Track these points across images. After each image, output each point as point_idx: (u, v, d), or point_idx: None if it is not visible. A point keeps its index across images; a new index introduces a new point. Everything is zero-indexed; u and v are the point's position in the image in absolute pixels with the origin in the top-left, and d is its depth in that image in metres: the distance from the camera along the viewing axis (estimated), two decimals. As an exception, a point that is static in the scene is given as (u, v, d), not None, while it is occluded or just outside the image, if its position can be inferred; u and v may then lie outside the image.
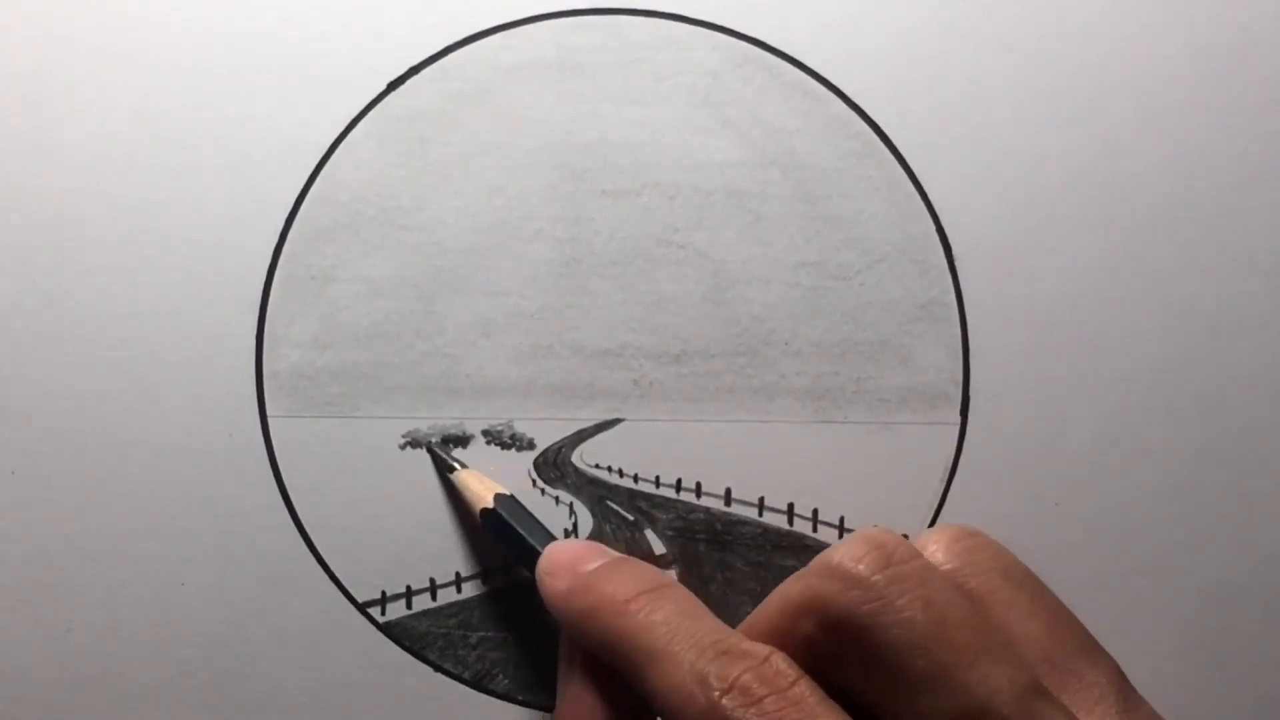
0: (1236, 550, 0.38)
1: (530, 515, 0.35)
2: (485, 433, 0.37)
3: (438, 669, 0.37)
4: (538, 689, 0.37)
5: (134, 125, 0.37)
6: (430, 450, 0.37)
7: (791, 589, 0.27)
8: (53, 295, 0.37)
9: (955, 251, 0.38)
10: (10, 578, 0.37)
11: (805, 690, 0.25)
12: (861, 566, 0.25)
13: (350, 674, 0.37)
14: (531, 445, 0.37)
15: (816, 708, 0.24)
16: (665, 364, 0.38)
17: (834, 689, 0.25)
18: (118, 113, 0.37)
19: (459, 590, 0.37)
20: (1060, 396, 0.38)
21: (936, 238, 0.38)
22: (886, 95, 0.38)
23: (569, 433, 0.37)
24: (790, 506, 0.38)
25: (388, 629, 0.37)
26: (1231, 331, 0.38)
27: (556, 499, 0.37)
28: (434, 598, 0.37)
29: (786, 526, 0.38)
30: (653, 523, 0.38)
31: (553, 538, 0.33)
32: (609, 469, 0.38)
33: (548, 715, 0.37)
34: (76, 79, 0.37)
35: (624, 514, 0.38)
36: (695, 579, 0.38)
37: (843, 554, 0.26)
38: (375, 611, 0.37)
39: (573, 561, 0.31)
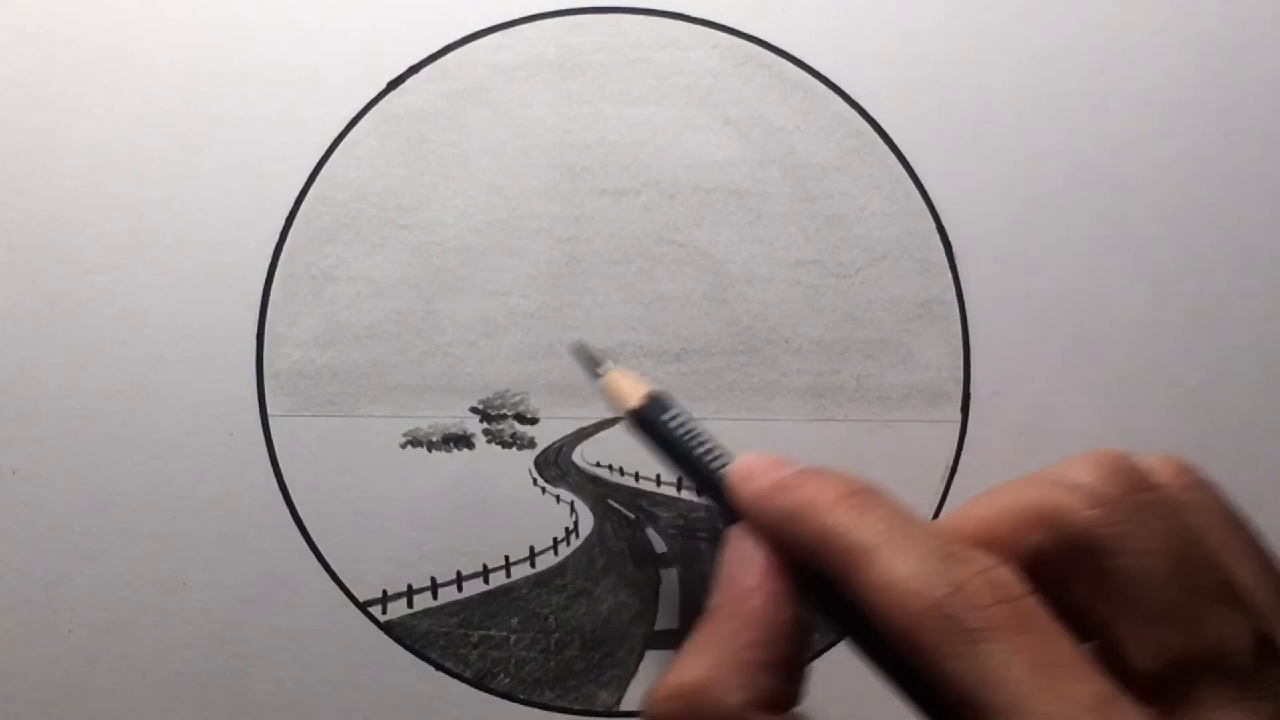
0: (1237, 548, 0.38)
1: (690, 419, 0.30)
2: (486, 431, 0.37)
3: (439, 668, 0.37)
4: (539, 688, 0.37)
5: (135, 125, 0.37)
6: (576, 354, 0.33)
7: (1021, 496, 0.25)
8: (54, 295, 0.37)
9: (955, 250, 0.38)
10: (12, 578, 0.37)
11: (1035, 605, 0.24)
12: (1109, 486, 0.25)
13: (351, 673, 0.37)
14: (532, 444, 0.37)
15: (1048, 625, 0.23)
16: (666, 362, 0.38)
17: (1055, 606, 0.24)
18: (119, 113, 0.37)
19: (460, 589, 0.37)
20: (1060, 394, 0.38)
21: (937, 236, 0.38)
22: (887, 94, 0.38)
23: (570, 431, 0.37)
24: (791, 505, 0.38)
25: (389, 628, 0.37)
26: (1230, 329, 0.38)
27: (557, 497, 0.37)
28: (435, 596, 0.37)
29: (787, 525, 0.38)
30: (654, 521, 0.38)
31: (721, 448, 0.29)
32: (610, 467, 0.38)
33: (549, 715, 0.37)
34: (78, 80, 0.37)
35: (625, 512, 0.38)
36: (696, 577, 0.38)
37: (1087, 470, 0.25)
38: (376, 610, 0.37)
39: (771, 466, 0.29)
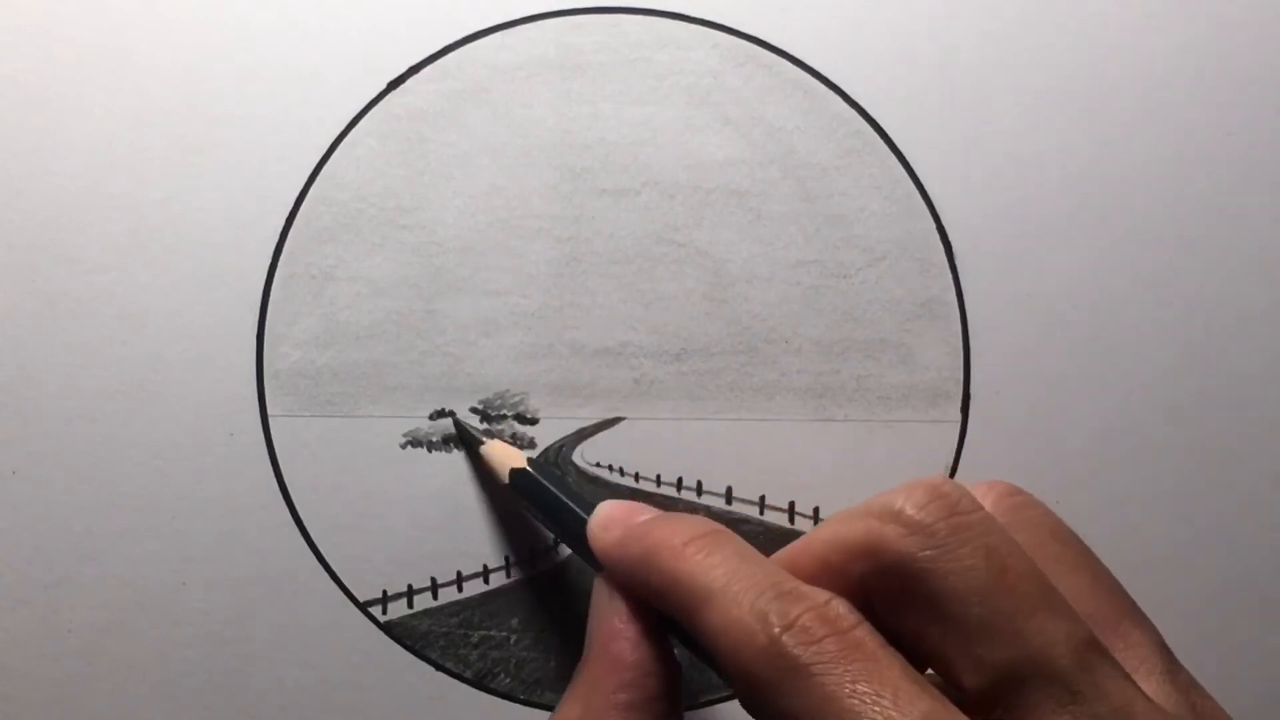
0: (1237, 548, 0.38)
1: (561, 478, 0.35)
2: (486, 432, 0.37)
3: (439, 668, 0.37)
4: (539, 688, 0.37)
5: (134, 125, 0.37)
6: (456, 423, 0.37)
7: (845, 529, 0.26)
8: (53, 295, 0.37)
9: (955, 249, 0.38)
10: (11, 578, 0.37)
11: (865, 634, 0.25)
12: (924, 514, 0.25)
13: (351, 673, 0.37)
14: (532, 444, 0.37)
15: (877, 651, 0.24)
16: (666, 362, 0.38)
17: (885, 634, 0.25)
18: (118, 113, 0.37)
19: (460, 589, 0.37)
20: (1061, 394, 0.38)
21: (937, 236, 0.38)
22: (887, 93, 0.38)
23: (570, 431, 0.37)
24: (791, 505, 0.38)
25: (389, 628, 0.37)
26: (1231, 329, 0.38)
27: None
28: (435, 597, 0.37)
29: (788, 525, 0.38)
30: (654, 521, 0.38)
31: (585, 500, 0.32)
32: (610, 468, 0.38)
33: (548, 715, 0.37)
34: (77, 79, 0.37)
35: (625, 513, 0.38)
36: (696, 578, 0.38)
37: (905, 499, 0.26)
38: (376, 611, 0.37)
39: (626, 515, 0.30)
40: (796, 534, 0.37)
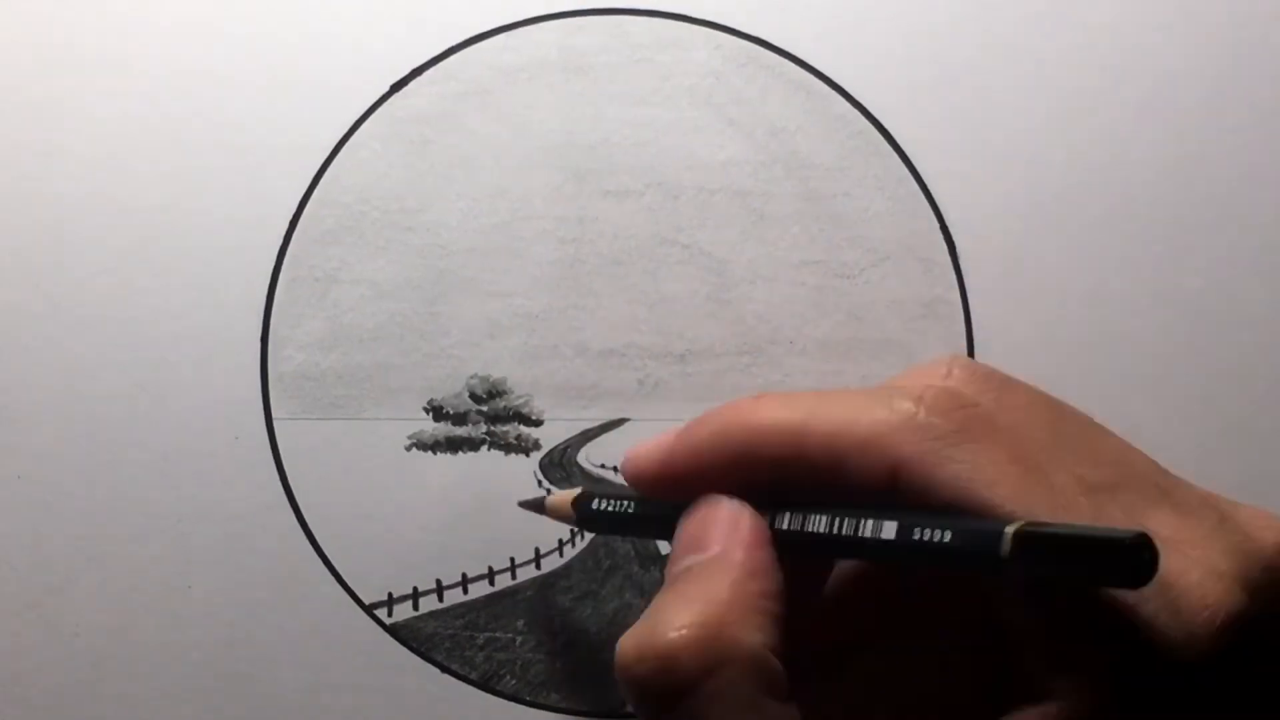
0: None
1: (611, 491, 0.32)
2: (490, 434, 0.37)
3: (445, 670, 0.37)
4: (545, 690, 0.37)
5: (137, 130, 0.37)
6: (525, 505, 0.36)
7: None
8: (58, 300, 0.37)
9: (959, 249, 0.38)
10: (17, 582, 0.37)
11: (986, 411, 0.25)
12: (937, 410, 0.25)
13: (357, 675, 0.37)
14: (537, 446, 0.37)
15: (1007, 427, 0.24)
16: (670, 363, 0.38)
17: None
18: (121, 118, 0.37)
19: (465, 591, 0.37)
20: (1064, 394, 0.38)
21: (940, 236, 0.38)
22: (889, 93, 0.38)
23: (574, 433, 0.37)
24: (796, 505, 0.38)
25: (394, 630, 0.37)
26: (1234, 328, 0.38)
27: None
28: (440, 599, 0.37)
29: (792, 525, 0.38)
30: (659, 522, 0.38)
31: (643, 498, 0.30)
32: (614, 469, 0.38)
33: (554, 716, 0.37)
34: (80, 84, 0.37)
35: (630, 514, 0.38)
36: (701, 578, 0.38)
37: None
38: (382, 613, 0.37)
39: (652, 441, 0.28)
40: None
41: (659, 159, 0.38)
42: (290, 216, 0.37)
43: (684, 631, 0.23)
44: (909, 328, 0.38)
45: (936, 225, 0.38)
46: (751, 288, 0.38)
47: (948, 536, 0.22)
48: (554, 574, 0.37)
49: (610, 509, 0.29)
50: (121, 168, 0.37)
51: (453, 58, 0.38)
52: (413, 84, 0.38)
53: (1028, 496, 0.23)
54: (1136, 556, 0.20)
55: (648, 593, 0.37)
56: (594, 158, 0.38)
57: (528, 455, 0.37)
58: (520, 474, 0.37)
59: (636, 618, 0.37)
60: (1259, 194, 0.38)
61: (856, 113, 0.38)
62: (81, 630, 0.37)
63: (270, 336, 0.37)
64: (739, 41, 0.38)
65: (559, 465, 0.37)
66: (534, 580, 0.37)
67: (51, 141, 0.37)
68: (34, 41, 0.37)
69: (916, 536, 0.23)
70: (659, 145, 0.38)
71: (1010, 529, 0.21)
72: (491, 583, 0.37)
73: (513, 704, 0.37)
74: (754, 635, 0.23)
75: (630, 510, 0.29)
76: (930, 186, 0.38)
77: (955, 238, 0.38)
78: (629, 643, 0.24)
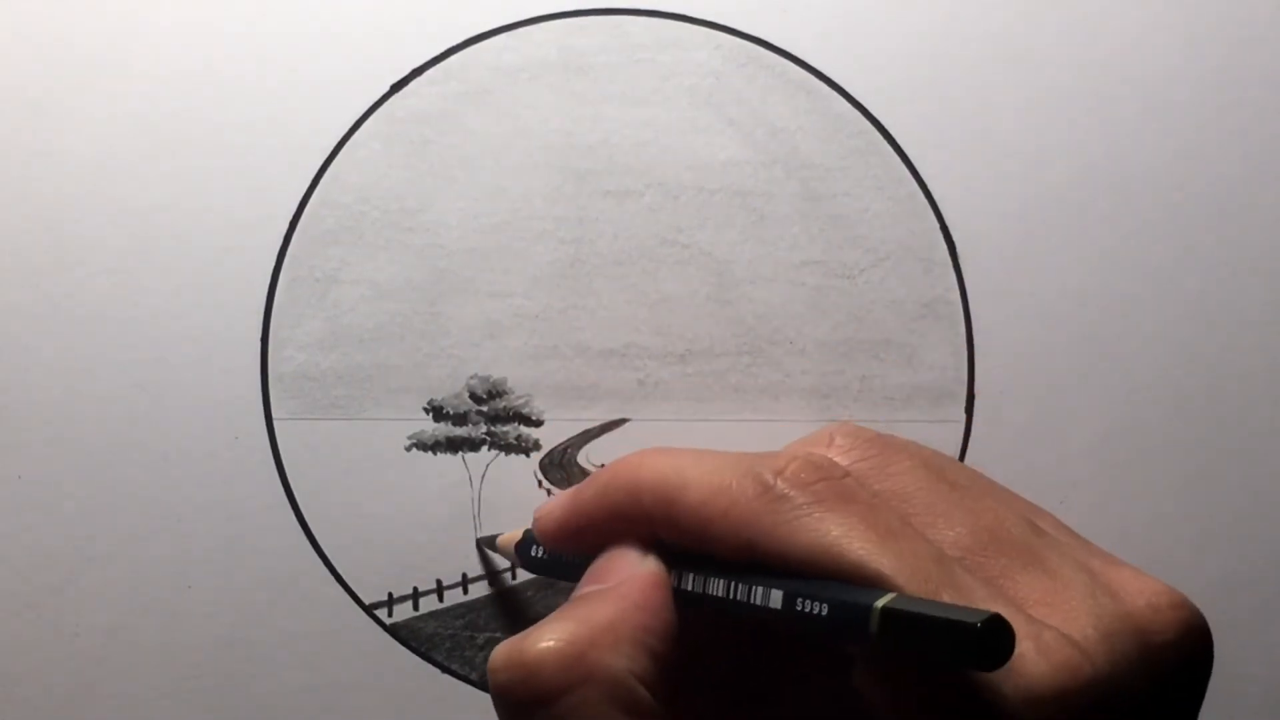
0: (1240, 547, 0.38)
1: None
2: (490, 434, 0.37)
3: (445, 670, 0.37)
4: None
5: (137, 129, 0.37)
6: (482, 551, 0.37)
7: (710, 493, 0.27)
8: (58, 300, 0.37)
9: (959, 249, 0.38)
10: (17, 582, 0.37)
11: (854, 483, 0.25)
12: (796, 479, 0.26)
13: (357, 676, 0.37)
14: (537, 446, 0.37)
15: (871, 498, 0.25)
16: (670, 364, 0.38)
17: None
18: (121, 117, 0.37)
19: (465, 591, 0.37)
20: (1065, 394, 0.38)
21: (940, 236, 0.38)
22: (890, 94, 0.38)
23: (574, 433, 0.38)
24: (796, 505, 0.38)
25: (394, 630, 0.37)
26: (1235, 328, 0.38)
27: None
28: (440, 599, 0.37)
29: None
30: (659, 522, 0.38)
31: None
32: (614, 469, 0.37)
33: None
34: (80, 84, 0.37)
35: (630, 514, 0.38)
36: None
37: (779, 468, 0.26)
38: (382, 613, 0.37)
39: (559, 497, 0.30)
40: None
41: (659, 159, 0.38)
42: (290, 216, 0.37)
43: (551, 644, 0.24)
44: (909, 328, 0.38)
45: (937, 225, 0.38)
46: (752, 288, 0.38)
47: (824, 610, 0.23)
48: (554, 574, 0.37)
49: (542, 556, 0.32)
50: (121, 168, 0.37)
51: (453, 58, 0.38)
52: (413, 84, 0.38)
53: (875, 562, 0.23)
54: (987, 640, 0.21)
55: (648, 593, 0.38)
56: (594, 158, 0.38)
57: (528, 455, 0.37)
58: (520, 474, 0.37)
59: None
60: (1259, 194, 0.38)
61: (856, 113, 0.38)
62: (81, 630, 0.37)
63: (270, 336, 0.37)
64: (739, 41, 0.38)
65: (559, 465, 0.37)
66: (534, 580, 0.37)
67: (51, 142, 0.37)
68: (34, 41, 0.37)
69: (799, 607, 0.24)
70: (659, 145, 0.38)
71: (878, 605, 0.22)
72: (491, 583, 0.37)
73: (513, 704, 0.37)
74: (620, 660, 0.24)
75: (559, 558, 0.31)
76: (930, 186, 0.38)
77: (955, 238, 0.38)
78: (500, 650, 0.25)
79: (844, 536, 0.24)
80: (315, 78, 0.37)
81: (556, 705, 0.24)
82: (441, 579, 0.37)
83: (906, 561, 0.23)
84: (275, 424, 0.37)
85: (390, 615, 0.37)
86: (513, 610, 0.37)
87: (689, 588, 0.26)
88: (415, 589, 0.37)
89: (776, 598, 0.24)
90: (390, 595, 0.37)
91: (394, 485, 0.37)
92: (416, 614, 0.37)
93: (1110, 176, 0.38)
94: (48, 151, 0.37)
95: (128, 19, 0.37)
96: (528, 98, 0.38)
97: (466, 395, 0.37)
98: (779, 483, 0.25)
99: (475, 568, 0.37)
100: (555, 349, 0.38)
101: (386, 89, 0.38)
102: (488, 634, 0.37)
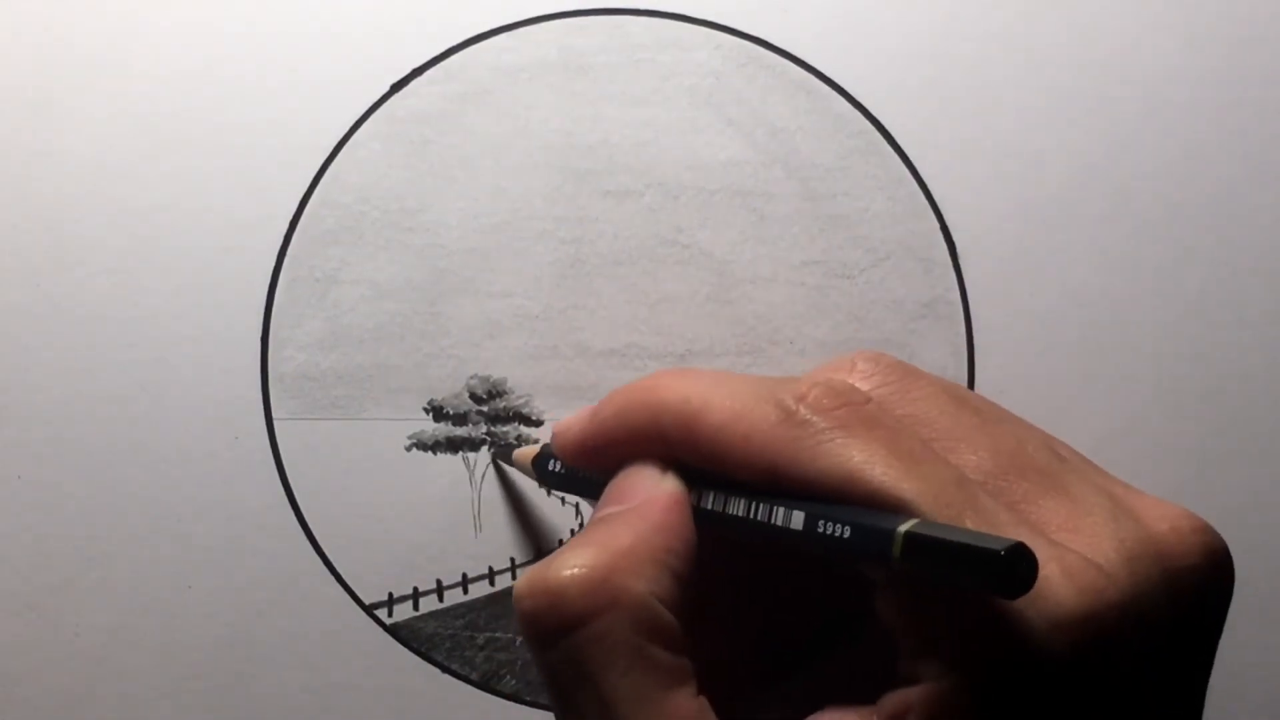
0: (1239, 548, 0.38)
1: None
2: (490, 434, 0.37)
3: (445, 670, 0.37)
4: (545, 690, 0.37)
5: (137, 130, 0.37)
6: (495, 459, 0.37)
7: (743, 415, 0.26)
8: (58, 300, 0.37)
9: (959, 249, 0.38)
10: (17, 582, 0.37)
11: (876, 408, 0.25)
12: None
13: (357, 676, 0.37)
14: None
15: (893, 423, 0.25)
16: (670, 363, 0.38)
17: None
18: (121, 117, 0.37)
19: (465, 591, 0.37)
20: (1064, 394, 0.38)
21: (940, 236, 0.38)
22: (890, 93, 0.38)
23: (574, 433, 0.37)
24: (796, 505, 0.38)
25: (395, 630, 0.37)
26: (1235, 329, 0.38)
27: (562, 499, 0.37)
28: (441, 599, 0.37)
29: (792, 525, 0.38)
30: (659, 522, 0.38)
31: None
32: (614, 469, 0.37)
33: (554, 716, 0.37)
34: (80, 84, 0.37)
35: (630, 514, 0.38)
36: (701, 578, 0.38)
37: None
38: (382, 613, 0.37)
39: (578, 413, 0.29)
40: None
41: (659, 159, 0.38)
42: (290, 216, 0.37)
43: (576, 571, 0.24)
44: (909, 328, 0.38)
45: (937, 225, 0.38)
46: (752, 288, 0.38)
47: (846, 532, 0.23)
48: (554, 574, 0.37)
49: (560, 470, 0.31)
50: (121, 168, 0.37)
51: (453, 58, 0.38)
52: (413, 84, 0.38)
53: (898, 487, 0.23)
54: (1011, 567, 0.21)
55: (648, 593, 0.38)
56: (594, 158, 0.38)
57: (528, 455, 0.38)
58: (520, 474, 0.37)
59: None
60: (1259, 194, 0.38)
61: (856, 113, 0.38)
62: (82, 630, 0.37)
63: (270, 337, 0.37)
64: (739, 41, 0.38)
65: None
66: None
67: (51, 142, 0.37)
68: (33, 41, 0.37)
69: (821, 530, 0.24)
70: (659, 145, 0.38)
71: (901, 530, 0.22)
72: (491, 583, 0.37)
73: (513, 704, 0.37)
74: (643, 584, 0.24)
75: (576, 473, 0.30)
76: (930, 186, 0.38)
77: (955, 238, 0.38)
78: (525, 578, 0.25)
79: (866, 462, 0.24)
80: (315, 78, 0.37)
81: (582, 631, 0.24)
82: (441, 579, 0.37)
83: (929, 486, 0.23)
84: (275, 424, 0.37)
85: (390, 615, 0.37)
86: (512, 610, 0.37)
87: (708, 507, 0.26)
88: (415, 589, 0.37)
89: (798, 519, 0.24)
90: (390, 595, 0.37)
91: (394, 485, 0.37)
92: (416, 614, 0.37)
93: (1110, 176, 0.38)
94: (48, 151, 0.37)
95: (128, 19, 0.37)
96: (528, 98, 0.38)
97: (466, 395, 0.37)
98: (801, 408, 0.24)
99: (475, 568, 0.37)
100: (555, 349, 0.38)
101: (386, 89, 0.38)
102: (488, 634, 0.37)
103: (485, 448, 0.37)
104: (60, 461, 0.37)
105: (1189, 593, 0.24)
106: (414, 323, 0.37)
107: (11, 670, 0.37)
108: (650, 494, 0.26)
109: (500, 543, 0.37)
